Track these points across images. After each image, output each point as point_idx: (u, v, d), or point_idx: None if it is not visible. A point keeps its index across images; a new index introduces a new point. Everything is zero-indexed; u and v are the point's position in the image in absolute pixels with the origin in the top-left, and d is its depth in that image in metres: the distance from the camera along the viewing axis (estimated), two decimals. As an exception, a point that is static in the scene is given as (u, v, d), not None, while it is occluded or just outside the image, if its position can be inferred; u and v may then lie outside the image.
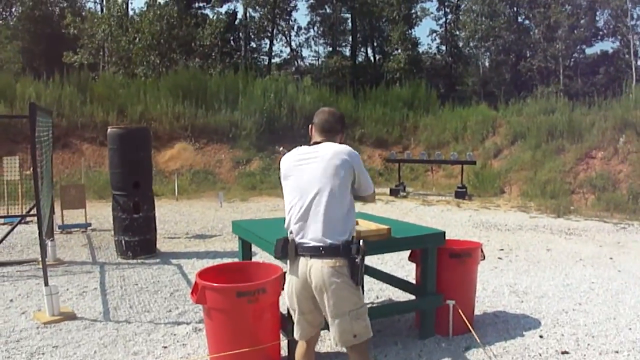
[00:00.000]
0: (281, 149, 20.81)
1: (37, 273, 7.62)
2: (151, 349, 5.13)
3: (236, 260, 6.60)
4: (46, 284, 5.94)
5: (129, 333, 5.52)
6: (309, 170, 3.56)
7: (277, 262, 4.41)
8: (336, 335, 3.59)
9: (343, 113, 4.05)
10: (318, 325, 3.78)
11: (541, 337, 5.41)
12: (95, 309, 6.27)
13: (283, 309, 4.67)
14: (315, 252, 3.48)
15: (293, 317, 3.76)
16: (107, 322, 5.84)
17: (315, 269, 3.48)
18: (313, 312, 3.67)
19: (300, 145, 3.81)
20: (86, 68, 25.27)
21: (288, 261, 3.66)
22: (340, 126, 3.84)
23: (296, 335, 3.78)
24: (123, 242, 8.68)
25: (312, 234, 3.51)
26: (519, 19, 37.13)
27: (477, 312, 5.89)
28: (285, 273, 4.49)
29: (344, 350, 3.84)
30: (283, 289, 4.46)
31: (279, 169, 3.81)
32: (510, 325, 5.73)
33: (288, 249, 3.56)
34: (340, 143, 3.72)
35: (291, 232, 3.58)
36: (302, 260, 3.53)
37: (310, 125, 3.86)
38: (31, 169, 12.16)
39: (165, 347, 5.16)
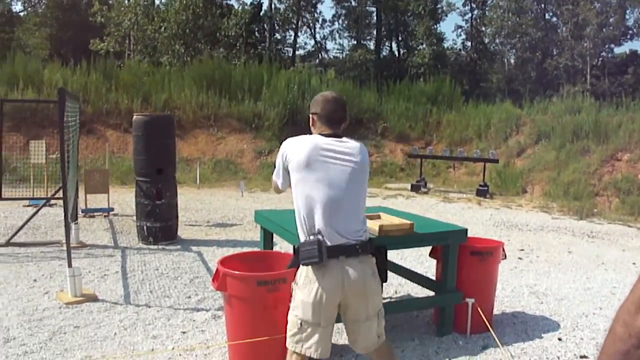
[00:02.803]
0: None
1: (60, 255, 7.74)
2: (170, 333, 5.19)
3: (256, 249, 6.64)
4: (69, 265, 6.03)
5: (148, 317, 5.59)
6: (342, 170, 3.32)
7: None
8: (363, 340, 3.41)
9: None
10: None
11: (560, 340, 5.37)
12: (116, 292, 6.35)
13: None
14: (352, 251, 3.27)
15: (309, 334, 3.31)
16: (127, 305, 5.92)
17: (354, 269, 3.26)
18: (332, 323, 3.38)
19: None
20: (112, 56, 25.56)
21: (306, 270, 3.30)
22: (346, 113, 3.55)
23: (316, 354, 3.30)
24: (145, 227, 8.75)
25: (345, 232, 3.28)
26: (547, 16, 36.84)
27: (495, 311, 5.85)
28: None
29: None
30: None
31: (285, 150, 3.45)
32: (529, 327, 5.71)
33: (323, 252, 3.20)
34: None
35: (317, 233, 3.26)
36: (335, 263, 3.23)
37: (311, 116, 3.53)
38: (56, 152, 12.33)
39: (184, 333, 5.22)
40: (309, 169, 3.31)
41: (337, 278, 3.23)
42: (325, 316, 3.27)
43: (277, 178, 3.57)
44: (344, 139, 3.46)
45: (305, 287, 3.28)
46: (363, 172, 3.42)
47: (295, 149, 3.38)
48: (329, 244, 3.23)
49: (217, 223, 10.76)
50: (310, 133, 3.54)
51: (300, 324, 3.30)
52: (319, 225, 3.28)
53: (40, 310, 5.67)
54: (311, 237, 3.27)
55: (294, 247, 3.37)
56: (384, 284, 6.46)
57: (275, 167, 3.61)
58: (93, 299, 6.04)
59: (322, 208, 3.28)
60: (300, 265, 3.32)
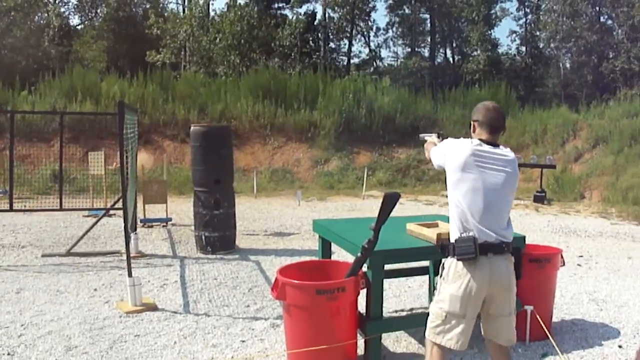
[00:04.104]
0: None
1: (120, 264, 7.84)
2: (229, 342, 5.20)
3: (314, 258, 6.63)
4: (130, 275, 6.10)
5: (208, 326, 5.61)
6: (496, 176, 3.57)
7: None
8: (506, 333, 3.68)
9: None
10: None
11: (620, 347, 5.25)
12: (175, 301, 6.41)
13: (361, 309, 4.66)
14: (499, 249, 3.53)
15: (452, 326, 3.56)
16: (186, 315, 5.96)
17: (500, 266, 3.54)
18: (475, 317, 3.61)
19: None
20: (168, 67, 25.92)
21: (455, 265, 3.54)
22: (505, 122, 3.85)
23: (456, 345, 3.56)
24: (203, 237, 8.81)
25: (495, 232, 3.52)
26: (602, 19, 35.95)
27: (554, 319, 5.74)
28: (365, 274, 4.49)
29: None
30: (363, 288, 4.47)
31: (450, 149, 3.69)
32: (588, 334, 5.59)
33: (476, 249, 3.45)
34: None
35: (468, 231, 3.51)
36: (484, 259, 3.48)
37: (473, 123, 3.78)
38: (114, 164, 12.55)
39: (243, 341, 5.22)
40: (465, 172, 3.55)
41: (486, 273, 3.49)
42: (471, 309, 3.53)
43: (434, 159, 3.88)
44: (501, 147, 3.72)
45: (455, 281, 3.53)
46: (514, 180, 3.66)
47: (454, 151, 3.64)
48: (480, 241, 3.47)
49: (275, 232, 10.79)
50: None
51: (445, 316, 3.56)
52: (473, 224, 3.51)
53: (100, 319, 5.75)
54: (464, 234, 3.51)
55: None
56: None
57: (436, 145, 3.98)
58: (153, 308, 6.10)
59: (476, 209, 3.52)
60: (447, 261, 3.60)
